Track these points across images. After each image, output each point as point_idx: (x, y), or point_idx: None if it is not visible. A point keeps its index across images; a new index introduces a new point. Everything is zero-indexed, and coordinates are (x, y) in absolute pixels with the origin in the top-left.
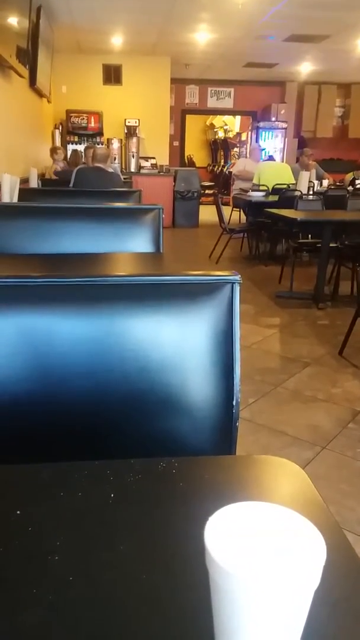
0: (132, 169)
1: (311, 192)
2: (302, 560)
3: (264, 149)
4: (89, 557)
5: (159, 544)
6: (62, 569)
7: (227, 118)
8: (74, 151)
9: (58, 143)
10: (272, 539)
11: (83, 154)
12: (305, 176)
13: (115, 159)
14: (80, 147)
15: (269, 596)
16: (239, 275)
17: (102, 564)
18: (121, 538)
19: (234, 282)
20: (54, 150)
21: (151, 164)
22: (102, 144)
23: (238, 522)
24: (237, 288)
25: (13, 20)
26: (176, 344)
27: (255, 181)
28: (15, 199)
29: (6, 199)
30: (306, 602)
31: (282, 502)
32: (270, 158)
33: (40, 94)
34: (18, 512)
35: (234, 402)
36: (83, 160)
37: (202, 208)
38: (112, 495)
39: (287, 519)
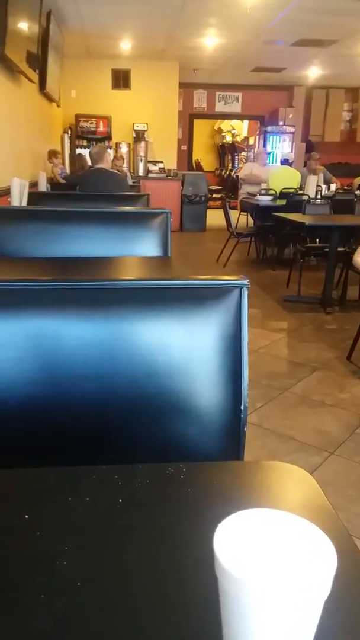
0: (140, 173)
1: (319, 196)
2: (313, 569)
3: (270, 153)
4: (97, 563)
5: (167, 550)
6: (70, 574)
7: (235, 122)
8: (78, 155)
9: (67, 147)
10: (283, 547)
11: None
12: (312, 180)
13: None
14: (86, 151)
15: (279, 605)
16: (247, 280)
17: (110, 570)
18: (129, 543)
19: (242, 287)
20: (53, 154)
21: (159, 168)
22: (110, 148)
23: (247, 529)
24: (245, 292)
25: (23, 26)
26: (184, 348)
27: (271, 186)
28: (24, 203)
29: (16, 202)
30: (316, 611)
31: (291, 508)
32: (284, 162)
33: (49, 99)
34: (26, 516)
35: (242, 407)
36: (89, 163)
37: (209, 212)
38: (120, 500)
39: (297, 527)
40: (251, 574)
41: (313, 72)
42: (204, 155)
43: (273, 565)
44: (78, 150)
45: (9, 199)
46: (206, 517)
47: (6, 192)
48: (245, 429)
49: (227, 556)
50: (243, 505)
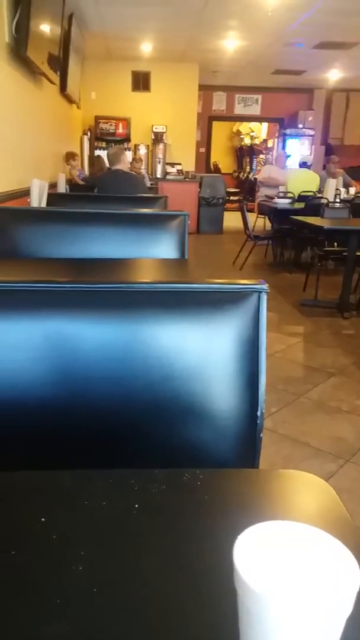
0: (158, 175)
1: (338, 200)
2: (336, 586)
3: (289, 156)
4: (113, 569)
5: (183, 557)
6: (86, 580)
7: (254, 125)
8: (97, 157)
9: (86, 149)
10: (304, 561)
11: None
12: (332, 183)
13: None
14: (104, 153)
15: (300, 621)
16: (266, 285)
17: (126, 576)
18: (146, 549)
19: (261, 292)
20: (71, 156)
21: (177, 170)
22: (129, 150)
23: (268, 542)
24: (264, 297)
25: (46, 28)
26: (201, 352)
27: (290, 189)
28: (44, 204)
29: (35, 203)
30: (339, 628)
31: (310, 519)
32: (303, 165)
33: (70, 100)
34: (43, 519)
35: (259, 413)
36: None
37: (226, 214)
38: (137, 505)
39: (319, 540)
40: (273, 589)
41: (334, 75)
42: (222, 157)
43: (295, 580)
44: (97, 152)
45: (28, 200)
46: (223, 526)
47: (26, 192)
48: (261, 435)
49: (248, 570)
50: (260, 514)
